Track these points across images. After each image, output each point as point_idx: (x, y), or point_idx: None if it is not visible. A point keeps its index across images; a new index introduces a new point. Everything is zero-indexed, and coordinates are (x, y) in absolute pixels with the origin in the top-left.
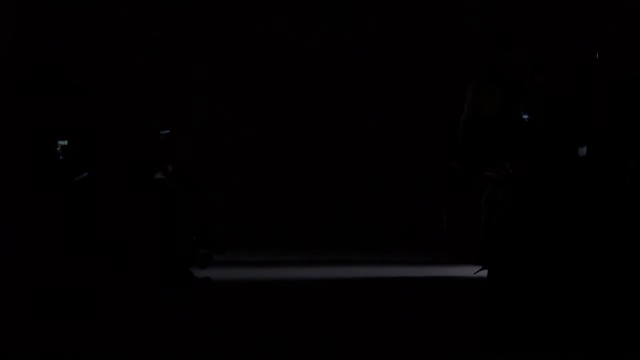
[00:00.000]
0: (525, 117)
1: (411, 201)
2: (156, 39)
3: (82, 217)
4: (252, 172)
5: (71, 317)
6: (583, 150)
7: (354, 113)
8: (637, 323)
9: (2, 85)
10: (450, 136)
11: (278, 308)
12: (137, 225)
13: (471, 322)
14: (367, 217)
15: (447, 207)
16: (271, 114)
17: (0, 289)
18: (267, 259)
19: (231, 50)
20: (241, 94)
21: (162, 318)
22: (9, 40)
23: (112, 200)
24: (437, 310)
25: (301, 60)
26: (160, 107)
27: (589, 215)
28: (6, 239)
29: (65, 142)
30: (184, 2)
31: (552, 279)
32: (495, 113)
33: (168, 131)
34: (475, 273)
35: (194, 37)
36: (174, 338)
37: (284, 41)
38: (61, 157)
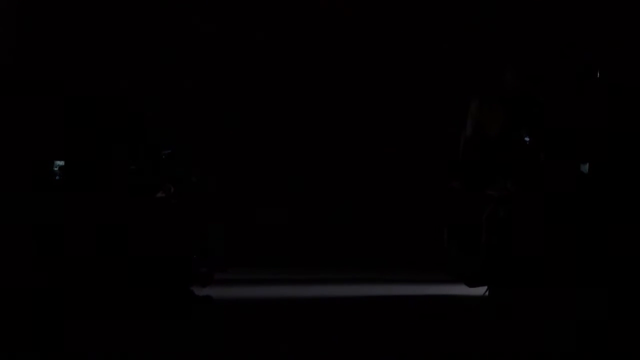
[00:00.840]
0: (527, 139)
1: (411, 219)
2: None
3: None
4: (252, 190)
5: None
6: (585, 167)
7: (353, 133)
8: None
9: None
10: (450, 154)
11: (279, 326)
12: (138, 245)
13: (471, 340)
14: (367, 235)
15: (447, 225)
16: (270, 135)
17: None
18: (268, 277)
19: (226, 60)
20: (240, 105)
21: (162, 337)
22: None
23: (111, 220)
24: (437, 328)
25: (300, 73)
26: (161, 126)
27: (592, 235)
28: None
29: (62, 163)
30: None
31: (553, 296)
32: (497, 132)
33: (170, 150)
34: (484, 293)
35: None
36: (174, 357)
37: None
38: (58, 177)
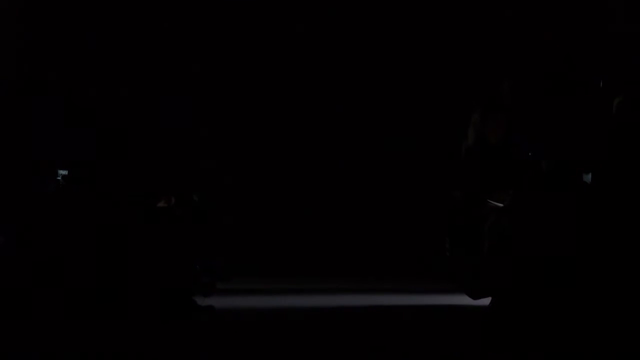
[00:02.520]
0: (528, 149)
1: (413, 229)
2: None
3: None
4: (256, 199)
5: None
6: (588, 178)
7: (354, 143)
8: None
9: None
10: (452, 164)
11: (281, 336)
12: (138, 254)
13: (472, 350)
14: (369, 244)
15: (449, 234)
16: (275, 143)
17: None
18: (271, 287)
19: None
20: (237, 107)
21: (164, 347)
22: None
23: (114, 231)
24: (438, 338)
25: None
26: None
27: (590, 246)
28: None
29: (66, 172)
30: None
31: (553, 309)
32: (496, 141)
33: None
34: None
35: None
36: None
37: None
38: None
